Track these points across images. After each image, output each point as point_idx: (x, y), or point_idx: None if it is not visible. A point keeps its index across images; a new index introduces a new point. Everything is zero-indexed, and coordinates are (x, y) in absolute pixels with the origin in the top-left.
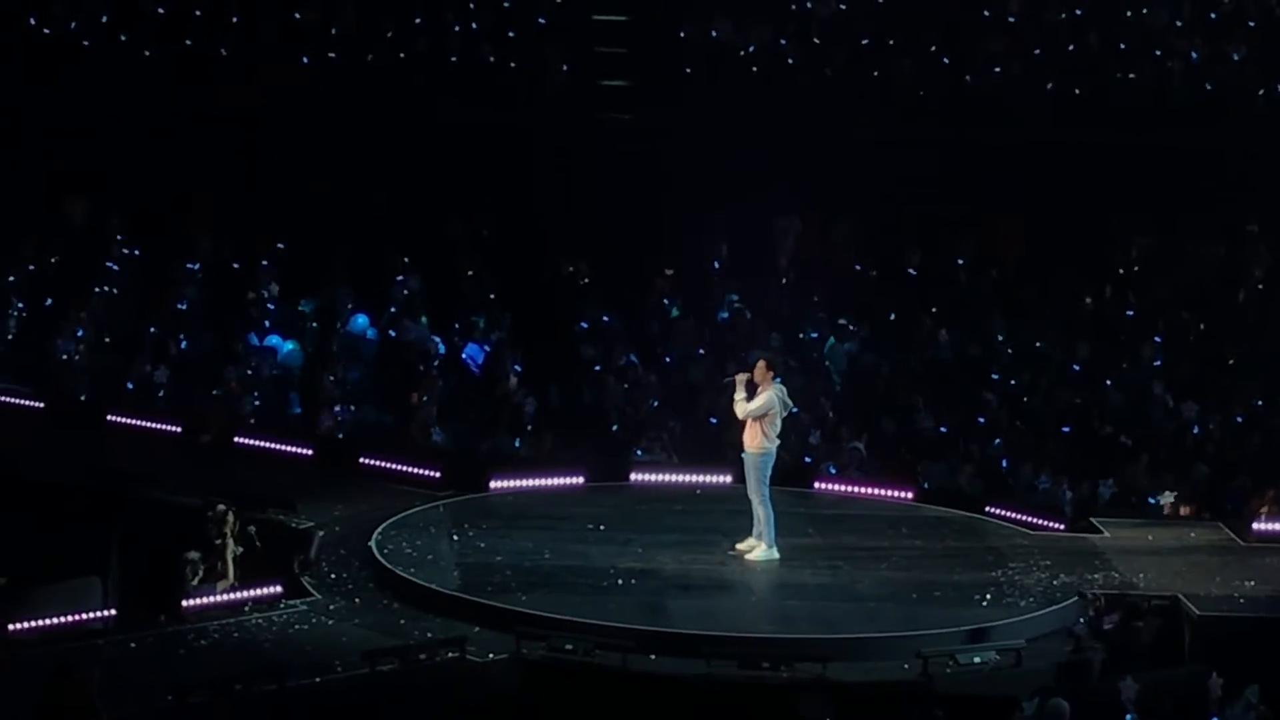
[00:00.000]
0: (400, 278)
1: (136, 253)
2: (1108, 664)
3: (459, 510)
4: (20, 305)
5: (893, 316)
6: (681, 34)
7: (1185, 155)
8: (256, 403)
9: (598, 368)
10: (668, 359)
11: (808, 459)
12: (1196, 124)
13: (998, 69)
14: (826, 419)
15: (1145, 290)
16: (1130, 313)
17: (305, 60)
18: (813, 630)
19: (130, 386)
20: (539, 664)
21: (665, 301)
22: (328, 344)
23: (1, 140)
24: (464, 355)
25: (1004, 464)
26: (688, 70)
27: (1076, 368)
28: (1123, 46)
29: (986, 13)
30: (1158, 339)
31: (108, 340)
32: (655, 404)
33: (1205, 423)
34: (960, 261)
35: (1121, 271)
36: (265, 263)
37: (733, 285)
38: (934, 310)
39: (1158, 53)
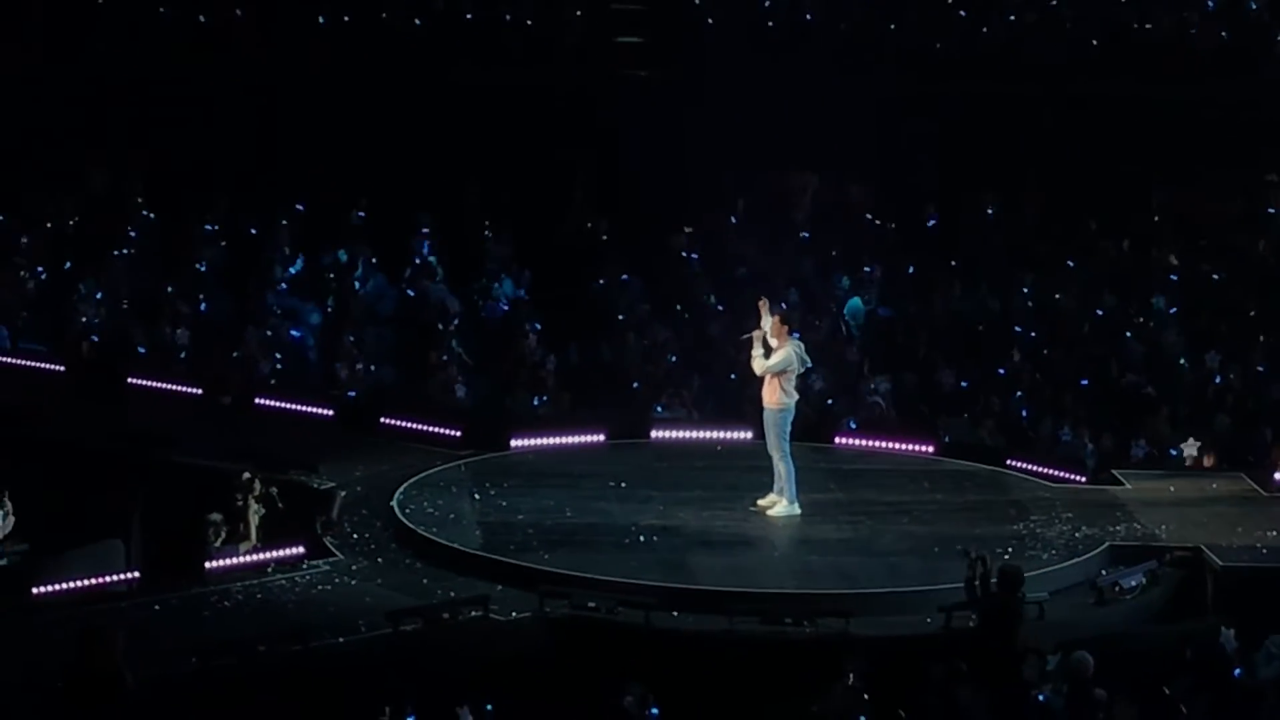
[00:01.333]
0: (424, 244)
1: (152, 216)
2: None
3: (480, 469)
4: (40, 269)
5: (911, 271)
6: None
7: (1204, 106)
8: (278, 363)
9: (622, 318)
10: (686, 315)
11: (829, 401)
12: (1215, 75)
13: (1012, 17)
14: (846, 374)
15: (1165, 242)
16: (1150, 265)
17: (321, 21)
18: (835, 585)
19: (148, 347)
20: (562, 622)
21: (684, 256)
22: (347, 304)
23: (22, 106)
24: (483, 313)
25: (1024, 416)
26: (709, 21)
27: (1098, 316)
28: None
29: None
30: (1178, 292)
31: (127, 303)
32: (674, 359)
33: (1226, 374)
34: (981, 215)
35: (1141, 224)
36: (284, 223)
37: (750, 241)
38: (953, 265)
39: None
